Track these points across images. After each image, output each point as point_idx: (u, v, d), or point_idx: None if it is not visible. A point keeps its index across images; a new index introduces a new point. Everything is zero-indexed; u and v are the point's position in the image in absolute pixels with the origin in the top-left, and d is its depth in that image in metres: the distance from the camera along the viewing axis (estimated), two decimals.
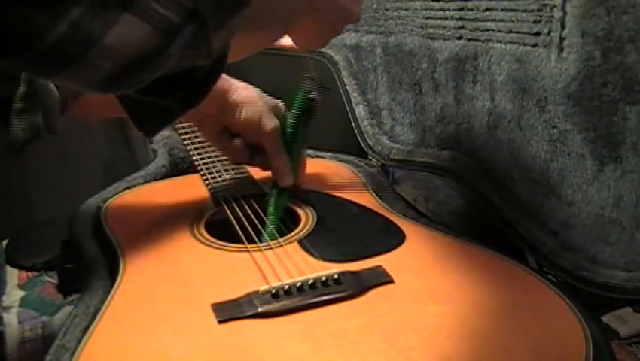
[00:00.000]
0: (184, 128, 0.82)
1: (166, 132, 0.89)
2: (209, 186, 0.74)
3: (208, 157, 0.78)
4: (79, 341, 0.48)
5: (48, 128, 0.49)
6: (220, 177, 0.75)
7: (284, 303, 0.50)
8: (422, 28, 0.76)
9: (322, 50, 0.97)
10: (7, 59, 0.27)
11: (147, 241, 0.64)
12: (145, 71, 0.30)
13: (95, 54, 0.28)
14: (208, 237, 0.63)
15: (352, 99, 0.92)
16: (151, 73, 0.31)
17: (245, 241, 0.61)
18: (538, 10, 0.59)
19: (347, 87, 0.93)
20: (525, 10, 0.60)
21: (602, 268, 0.58)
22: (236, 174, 0.76)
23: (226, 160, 0.77)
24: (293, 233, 0.64)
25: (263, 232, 0.64)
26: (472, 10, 0.67)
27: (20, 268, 0.82)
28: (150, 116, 0.36)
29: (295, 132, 0.70)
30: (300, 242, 0.61)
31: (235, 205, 0.68)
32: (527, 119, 0.63)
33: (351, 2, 0.52)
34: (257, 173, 0.76)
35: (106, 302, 0.53)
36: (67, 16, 0.26)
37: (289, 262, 0.57)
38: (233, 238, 0.62)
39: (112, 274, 0.59)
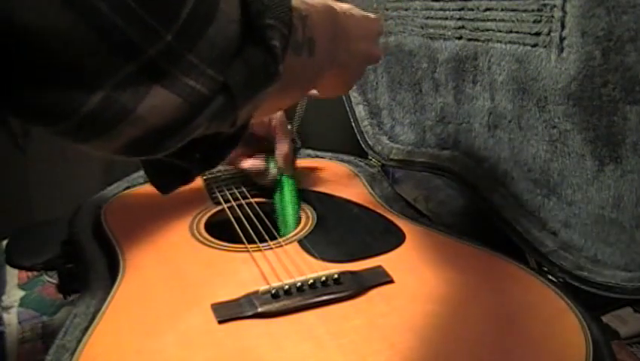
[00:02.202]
0: None
1: None
2: (209, 186, 0.74)
3: None
4: (79, 341, 0.48)
5: None
6: (220, 177, 0.75)
7: (284, 303, 0.50)
8: (422, 28, 0.76)
9: None
10: (44, 127, 0.28)
11: (147, 241, 0.64)
12: (173, 139, 0.31)
13: (127, 124, 0.28)
14: (208, 237, 0.63)
15: (352, 99, 0.92)
16: (178, 141, 0.31)
17: (244, 241, 0.61)
18: (538, 10, 0.59)
19: None
20: (525, 10, 0.60)
21: (602, 268, 0.58)
22: (235, 174, 0.76)
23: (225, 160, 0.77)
24: (293, 233, 0.64)
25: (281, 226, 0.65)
26: (472, 10, 0.67)
27: (20, 268, 0.81)
28: (167, 175, 0.37)
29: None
30: (300, 242, 0.61)
31: (235, 205, 0.68)
32: (527, 119, 0.63)
33: (369, 45, 0.54)
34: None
35: (106, 302, 0.53)
36: (100, 89, 0.27)
37: (289, 262, 0.57)
38: (233, 238, 0.62)
39: (112, 274, 0.59)
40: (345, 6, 0.52)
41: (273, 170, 0.72)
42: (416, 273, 0.55)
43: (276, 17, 0.33)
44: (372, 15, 0.56)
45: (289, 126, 0.74)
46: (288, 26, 0.34)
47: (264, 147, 0.73)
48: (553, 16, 0.57)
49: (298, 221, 0.67)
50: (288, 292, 0.51)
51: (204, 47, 0.29)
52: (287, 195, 0.70)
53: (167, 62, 0.28)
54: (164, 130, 0.30)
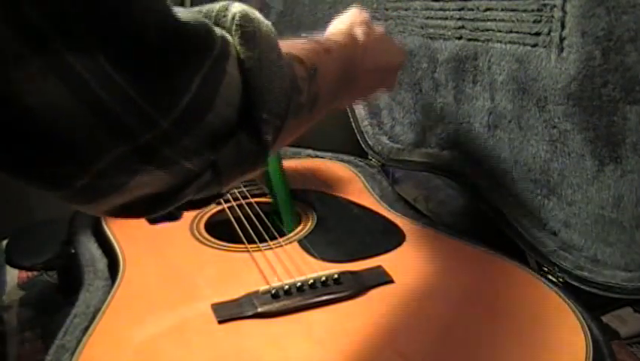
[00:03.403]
0: None
1: None
2: None
3: None
4: (79, 341, 0.48)
5: None
6: None
7: (284, 303, 0.50)
8: (422, 28, 0.76)
9: None
10: (45, 191, 0.29)
11: (147, 240, 0.64)
12: (160, 207, 0.32)
13: (117, 196, 0.30)
14: (208, 237, 0.63)
15: None
16: (166, 208, 0.32)
17: (244, 241, 0.61)
18: (538, 10, 0.59)
19: None
20: (525, 10, 0.60)
21: (602, 268, 0.58)
22: None
23: None
24: (293, 233, 0.64)
25: (281, 226, 0.65)
26: (472, 10, 0.67)
27: (20, 268, 0.81)
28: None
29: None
30: (300, 242, 0.61)
31: (235, 205, 0.68)
32: (527, 119, 0.63)
33: (385, 77, 0.56)
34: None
35: (106, 302, 0.53)
36: (94, 168, 0.28)
37: (289, 262, 0.57)
38: (233, 238, 0.62)
39: (112, 274, 0.59)
40: (377, 32, 0.54)
41: None
42: (415, 273, 0.55)
43: (272, 112, 0.34)
44: (399, 47, 0.57)
45: None
46: (283, 118, 0.35)
47: None
48: (553, 16, 0.57)
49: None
50: (287, 293, 0.51)
51: (201, 131, 0.30)
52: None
53: (162, 145, 0.29)
54: (152, 201, 0.31)
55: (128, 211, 0.32)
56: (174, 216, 0.39)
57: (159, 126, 0.28)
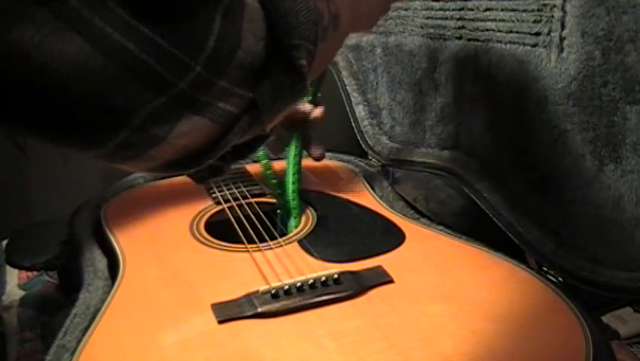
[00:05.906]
0: None
1: None
2: (209, 186, 0.74)
3: None
4: (79, 341, 0.48)
5: None
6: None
7: (284, 303, 0.50)
8: (422, 28, 0.76)
9: None
10: (81, 153, 0.29)
11: (147, 241, 0.64)
12: (206, 157, 0.32)
13: (158, 150, 0.29)
14: (208, 237, 0.63)
15: (352, 99, 0.92)
16: (212, 157, 0.32)
17: (244, 241, 0.61)
18: (538, 10, 0.59)
19: (347, 87, 0.93)
20: (525, 10, 0.60)
21: (602, 268, 0.58)
22: (236, 174, 0.76)
23: None
24: (293, 233, 0.64)
25: (282, 224, 0.65)
26: (472, 10, 0.67)
27: (20, 268, 0.81)
28: (202, 171, 0.37)
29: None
30: (300, 242, 0.61)
31: (235, 205, 0.68)
32: (527, 120, 0.63)
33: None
34: (256, 173, 0.76)
35: (106, 302, 0.53)
36: (130, 124, 0.27)
37: (289, 262, 0.57)
38: (233, 238, 0.62)
39: (112, 274, 0.59)
40: None
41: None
42: (415, 273, 0.55)
43: (302, 37, 0.33)
44: None
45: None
46: (314, 41, 0.34)
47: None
48: (553, 16, 0.57)
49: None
50: (287, 292, 0.51)
51: (234, 70, 0.29)
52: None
53: (198, 91, 0.28)
54: (197, 151, 0.31)
55: (174, 167, 0.31)
56: (220, 172, 0.38)
57: (192, 71, 0.27)
